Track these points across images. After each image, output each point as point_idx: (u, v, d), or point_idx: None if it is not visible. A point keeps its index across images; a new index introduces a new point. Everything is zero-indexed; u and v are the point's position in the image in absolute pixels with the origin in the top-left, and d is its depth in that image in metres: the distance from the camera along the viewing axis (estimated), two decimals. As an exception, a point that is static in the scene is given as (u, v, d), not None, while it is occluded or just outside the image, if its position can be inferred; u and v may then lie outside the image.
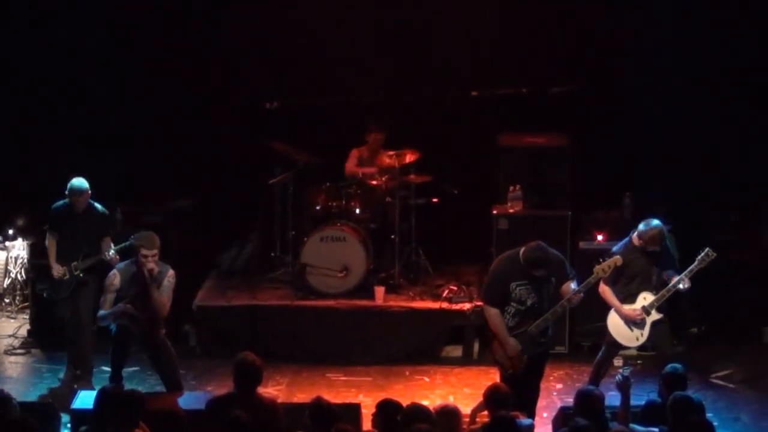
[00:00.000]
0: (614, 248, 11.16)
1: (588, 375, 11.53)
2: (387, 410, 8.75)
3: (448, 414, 8.81)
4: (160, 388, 11.30)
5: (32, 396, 11.90)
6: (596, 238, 13.28)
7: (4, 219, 14.47)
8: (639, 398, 9.93)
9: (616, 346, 11.32)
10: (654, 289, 11.08)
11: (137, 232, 11.39)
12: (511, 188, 13.45)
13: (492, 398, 9.20)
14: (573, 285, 10.54)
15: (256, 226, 14.59)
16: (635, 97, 14.14)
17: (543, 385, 11.09)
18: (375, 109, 14.26)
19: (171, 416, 9.07)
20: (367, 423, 9.65)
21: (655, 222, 11.09)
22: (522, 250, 10.42)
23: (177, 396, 10.70)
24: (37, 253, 13.29)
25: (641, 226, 11.12)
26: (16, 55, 14.35)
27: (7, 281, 14.43)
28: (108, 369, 11.40)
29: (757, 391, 12.30)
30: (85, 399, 10.05)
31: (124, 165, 14.37)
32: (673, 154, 14.08)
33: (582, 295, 10.53)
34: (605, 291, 11.09)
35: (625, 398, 9.44)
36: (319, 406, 8.72)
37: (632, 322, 11.10)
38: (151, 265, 10.96)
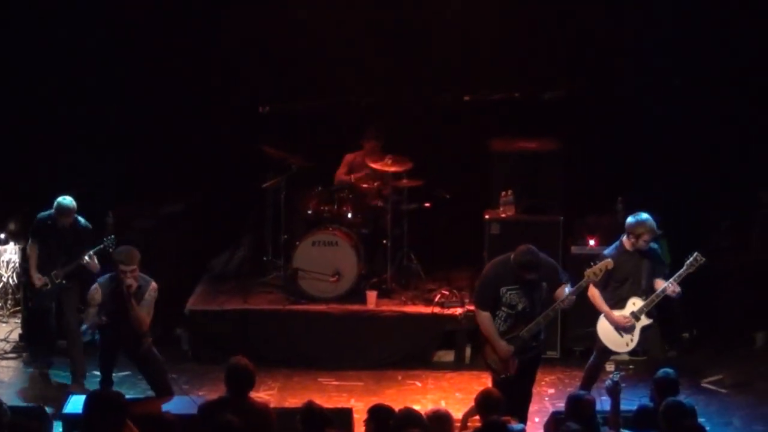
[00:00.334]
0: (605, 251, 11.16)
1: (579, 380, 11.53)
2: (379, 415, 8.74)
3: (440, 419, 8.82)
4: (151, 392, 11.26)
5: (24, 401, 11.86)
6: (588, 243, 13.26)
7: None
8: (631, 403, 9.94)
9: (606, 352, 11.31)
10: (643, 294, 11.08)
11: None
12: (503, 193, 13.44)
13: (483, 403, 9.20)
14: (567, 289, 10.55)
15: (248, 230, 14.58)
16: (635, 97, 14.14)
17: (535, 390, 11.08)
18: (375, 114, 14.25)
19: (160, 421, 9.04)
20: (359, 428, 9.66)
21: (644, 215, 11.07)
22: (513, 254, 10.44)
23: (166, 401, 10.69)
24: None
25: (630, 220, 11.10)
26: (16, 55, 14.31)
27: (-2, 286, 14.45)
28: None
29: (749, 396, 12.28)
30: (76, 403, 10.05)
31: (124, 165, 14.35)
32: (672, 155, 14.07)
33: (574, 298, 10.54)
34: (595, 295, 11.05)
35: (615, 403, 9.42)
36: (310, 410, 8.73)
37: (622, 328, 11.11)
38: (129, 280, 10.88)
